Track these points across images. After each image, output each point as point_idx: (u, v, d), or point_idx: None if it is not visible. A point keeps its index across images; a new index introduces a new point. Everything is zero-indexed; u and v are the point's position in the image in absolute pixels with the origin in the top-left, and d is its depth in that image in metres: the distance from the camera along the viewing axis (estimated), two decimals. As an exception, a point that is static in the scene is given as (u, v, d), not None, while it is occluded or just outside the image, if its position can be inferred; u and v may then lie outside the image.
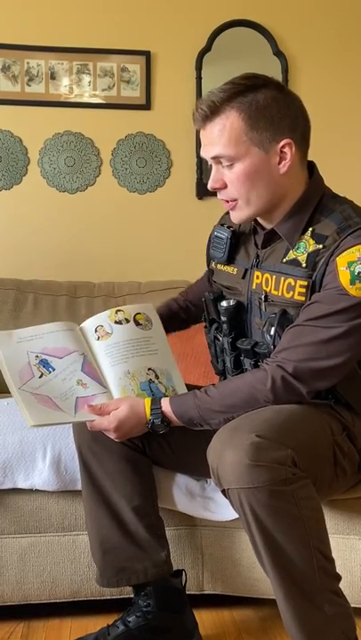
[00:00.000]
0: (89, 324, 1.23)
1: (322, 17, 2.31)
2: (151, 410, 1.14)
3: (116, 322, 1.22)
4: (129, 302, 2.01)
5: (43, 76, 2.18)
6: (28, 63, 2.17)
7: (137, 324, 1.24)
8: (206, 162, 1.15)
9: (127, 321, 1.23)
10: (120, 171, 2.23)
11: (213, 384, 1.17)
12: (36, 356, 1.16)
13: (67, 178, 2.20)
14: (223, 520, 1.32)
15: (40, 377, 1.14)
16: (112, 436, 1.15)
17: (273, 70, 2.24)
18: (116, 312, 1.23)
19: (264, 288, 1.16)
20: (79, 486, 1.31)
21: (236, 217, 1.15)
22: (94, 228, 2.23)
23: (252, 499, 0.98)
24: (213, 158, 1.12)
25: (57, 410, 1.11)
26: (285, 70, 2.26)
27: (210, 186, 1.14)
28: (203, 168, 2.21)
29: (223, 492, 1.03)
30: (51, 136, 2.20)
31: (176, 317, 1.41)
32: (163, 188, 2.25)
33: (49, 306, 1.95)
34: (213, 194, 1.18)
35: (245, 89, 1.08)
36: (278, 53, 2.25)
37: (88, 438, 1.23)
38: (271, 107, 1.08)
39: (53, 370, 1.16)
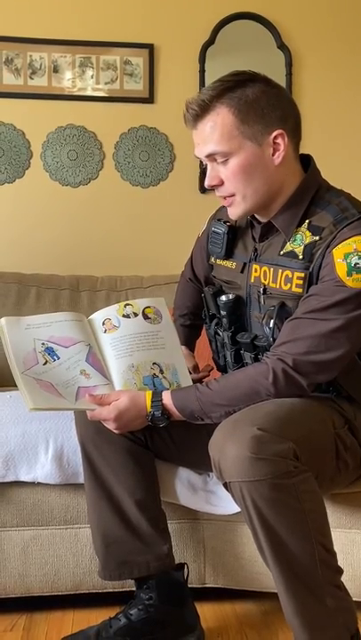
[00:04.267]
0: (97, 317, 1.24)
1: (326, 10, 2.30)
2: (152, 402, 1.14)
3: (124, 315, 1.23)
4: (131, 296, 2.01)
5: (45, 69, 2.18)
6: (30, 56, 2.17)
7: (146, 317, 1.24)
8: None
9: (135, 315, 1.23)
10: (123, 164, 2.23)
11: (215, 378, 1.17)
12: (43, 344, 1.17)
13: (69, 171, 2.20)
14: (225, 514, 1.32)
15: (44, 364, 1.15)
16: (111, 426, 1.16)
17: (277, 63, 2.23)
18: (125, 306, 1.24)
19: (262, 281, 1.16)
20: (81, 479, 1.32)
21: (234, 213, 1.16)
22: (97, 221, 2.23)
23: (254, 492, 0.98)
24: (208, 156, 1.12)
25: (58, 396, 1.12)
26: (289, 64, 2.24)
27: (207, 184, 1.14)
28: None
29: (225, 485, 1.03)
30: (53, 129, 2.20)
31: (194, 338, 1.43)
32: (166, 182, 2.24)
33: (51, 300, 1.95)
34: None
35: (234, 85, 1.09)
36: (282, 46, 2.24)
37: (91, 431, 1.24)
38: (260, 100, 1.09)
39: (58, 358, 1.17)
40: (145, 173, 2.24)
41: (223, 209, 1.26)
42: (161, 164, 2.24)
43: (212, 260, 1.30)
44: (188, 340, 1.41)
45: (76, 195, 2.22)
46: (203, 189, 2.23)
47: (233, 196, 1.13)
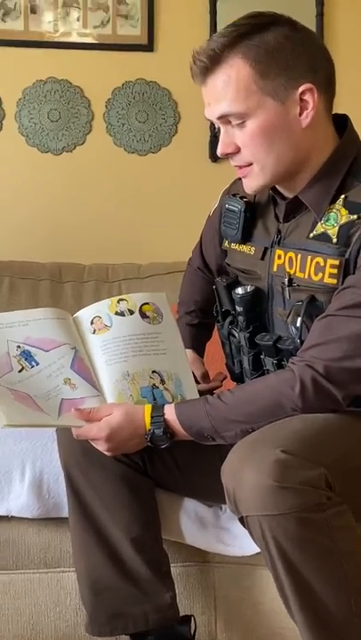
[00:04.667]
0: (84, 314, 1.24)
1: None
2: (152, 418, 1.15)
3: (117, 313, 1.23)
4: (125, 290, 2.02)
5: (21, 10, 2.18)
6: (2, -6, 2.18)
7: (143, 316, 1.24)
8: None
9: (131, 312, 1.24)
10: (116, 127, 2.23)
11: (229, 389, 1.17)
12: (18, 347, 1.18)
13: (50, 135, 2.20)
14: (241, 555, 1.33)
15: (20, 371, 1.16)
16: (102, 447, 1.16)
17: (305, 2, 2.22)
18: (119, 301, 1.25)
19: (288, 270, 1.16)
20: (65, 513, 1.33)
21: (251, 186, 1.16)
22: (84, 197, 2.23)
23: (277, 528, 0.98)
24: (220, 118, 1.12)
25: (37, 410, 1.13)
26: (320, 2, 2.23)
27: (220, 151, 1.14)
28: (218, 123, 2.22)
29: (241, 520, 1.03)
30: (31, 84, 2.20)
31: (204, 340, 1.44)
32: (168, 148, 2.24)
33: (28, 292, 1.96)
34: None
35: (251, 30, 1.08)
36: (312, -20, 2.24)
37: (77, 454, 1.25)
38: (284, 47, 1.07)
39: (37, 364, 1.17)
40: (143, 138, 2.23)
41: (239, 181, 1.26)
42: (163, 127, 2.24)
43: (226, 244, 1.30)
44: (196, 343, 1.42)
45: (58, 164, 2.22)
46: (214, 157, 2.23)
47: (250, 165, 1.13)
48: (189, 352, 1.36)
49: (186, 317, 1.44)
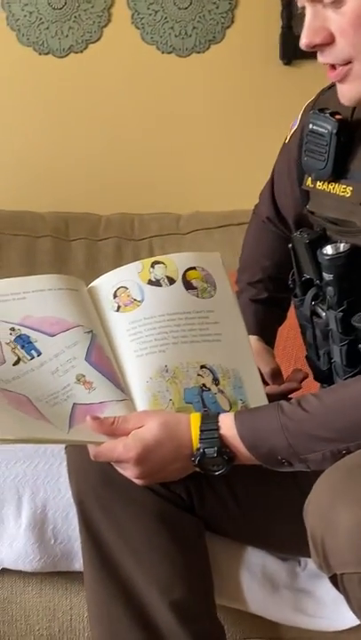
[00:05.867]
0: (104, 284, 1.26)
1: None
2: (201, 432, 1.15)
3: (150, 282, 1.24)
4: (159, 249, 2.03)
5: None
6: None
7: (188, 286, 1.25)
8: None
9: (171, 280, 1.25)
10: (145, 15, 2.23)
11: (313, 393, 1.18)
12: (12, 330, 1.19)
13: (51, 30, 2.21)
14: (331, 630, 1.33)
15: (15, 363, 1.17)
16: (131, 473, 1.16)
17: None
18: (153, 265, 1.26)
19: None
20: (78, 565, 1.35)
21: (348, 95, 1.17)
22: (99, 118, 2.24)
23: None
24: None
25: (40, 419, 1.13)
26: None
27: (305, 42, 1.14)
28: (292, 7, 2.18)
29: (333, 579, 1.04)
30: None
31: (274, 323, 1.44)
32: (220, 46, 2.24)
33: (21, 254, 1.99)
34: (310, 55, 1.18)
35: None
36: None
37: (95, 482, 1.26)
38: None
39: (39, 354, 1.18)
40: (184, 31, 2.23)
41: (329, 92, 1.24)
42: (213, 15, 2.23)
43: (309, 182, 1.29)
44: (264, 327, 1.42)
45: (63, 70, 2.22)
46: (287, 58, 2.21)
47: (349, 63, 1.13)
48: (254, 340, 1.36)
49: (249, 290, 1.45)
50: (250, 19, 2.24)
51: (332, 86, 1.22)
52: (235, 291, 1.36)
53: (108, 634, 1.26)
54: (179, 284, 1.24)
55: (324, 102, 1.29)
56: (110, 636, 1.26)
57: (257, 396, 1.23)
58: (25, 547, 1.36)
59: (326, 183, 1.25)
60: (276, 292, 1.44)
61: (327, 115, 1.24)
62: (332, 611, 1.31)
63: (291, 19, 2.21)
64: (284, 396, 1.30)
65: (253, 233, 1.49)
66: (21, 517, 1.37)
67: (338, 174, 1.23)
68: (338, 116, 1.23)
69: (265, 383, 1.34)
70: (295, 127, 1.35)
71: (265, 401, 1.23)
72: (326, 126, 1.23)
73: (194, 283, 1.25)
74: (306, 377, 1.35)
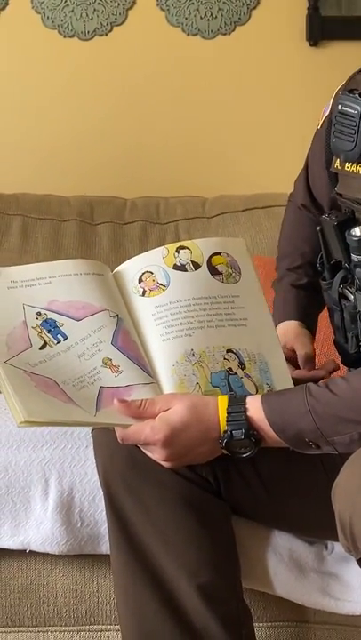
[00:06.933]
0: (130, 269, 1.26)
1: None
2: (229, 414, 1.16)
3: (175, 266, 1.25)
4: (184, 233, 2.02)
5: None
6: None
7: (214, 271, 1.25)
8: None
9: (196, 265, 1.25)
10: (170, -3, 2.23)
11: (342, 376, 1.18)
12: (38, 314, 1.20)
13: (76, 12, 2.21)
14: (357, 613, 1.32)
15: (42, 348, 1.18)
16: (159, 455, 1.17)
17: None
18: (178, 250, 1.26)
19: None
20: (105, 548, 1.35)
21: None
22: (124, 101, 2.24)
23: None
24: None
25: (67, 402, 1.14)
26: None
27: None
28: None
29: (361, 562, 1.04)
30: None
31: (315, 309, 1.44)
32: (246, 27, 2.23)
33: (47, 237, 1.98)
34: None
35: None
36: None
37: (122, 465, 1.25)
38: None
39: (65, 338, 1.19)
40: (209, 13, 2.22)
41: (360, 75, 1.24)
42: (238, -5, 2.23)
43: (337, 164, 1.28)
44: (306, 312, 1.42)
45: (87, 52, 2.23)
46: (314, 39, 2.19)
47: None
48: (295, 324, 1.37)
49: (290, 276, 1.45)
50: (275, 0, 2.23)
51: None
52: (275, 278, 1.38)
53: (135, 616, 1.27)
54: (204, 268, 1.25)
55: (354, 84, 1.27)
56: (138, 618, 1.26)
57: (283, 380, 1.24)
58: (52, 530, 1.37)
59: (355, 165, 1.24)
60: (315, 277, 1.43)
61: (357, 95, 1.22)
62: (360, 594, 1.31)
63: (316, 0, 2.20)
64: (310, 381, 1.28)
65: (290, 220, 1.49)
66: (48, 500, 1.37)
67: None
68: None
69: (296, 367, 1.34)
70: (327, 112, 1.34)
71: (291, 385, 1.23)
72: (356, 107, 1.21)
73: (219, 268, 1.26)
74: (337, 369, 1.35)
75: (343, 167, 1.26)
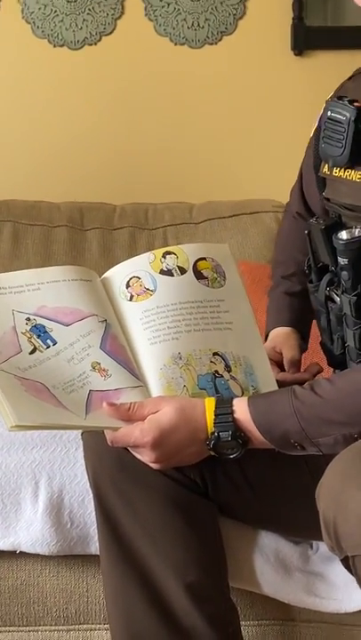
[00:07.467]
0: (117, 274, 1.27)
1: None
2: (216, 416, 1.16)
3: (162, 271, 1.25)
4: (172, 238, 2.03)
5: None
6: None
7: (199, 276, 1.26)
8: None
9: (182, 270, 1.26)
10: (158, 7, 2.23)
11: (326, 378, 1.19)
12: (28, 319, 1.20)
13: (65, 22, 2.21)
14: (341, 612, 1.33)
15: (32, 352, 1.18)
16: (147, 457, 1.17)
17: None
18: (165, 255, 1.26)
19: None
20: (94, 548, 1.35)
21: None
22: (113, 108, 2.24)
23: None
24: None
25: (57, 406, 1.14)
26: None
27: None
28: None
29: (345, 562, 1.04)
30: None
31: (308, 315, 1.43)
32: (232, 37, 2.24)
33: (37, 243, 1.99)
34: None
35: None
36: None
37: (111, 467, 1.26)
38: None
39: (54, 343, 1.19)
40: (196, 23, 2.23)
41: (349, 83, 1.24)
42: (225, 6, 2.23)
43: (326, 169, 1.29)
44: (300, 319, 1.43)
45: (77, 61, 2.23)
46: (299, 48, 2.19)
47: None
48: (286, 329, 1.37)
49: (285, 283, 1.46)
50: (261, 9, 2.23)
51: (352, 77, 1.22)
52: (271, 286, 1.38)
53: (124, 616, 1.27)
54: (190, 273, 1.26)
55: (344, 91, 1.29)
56: (126, 617, 1.27)
57: (268, 382, 1.25)
58: (42, 531, 1.37)
59: (343, 170, 1.25)
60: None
61: (345, 102, 1.23)
62: (344, 593, 1.31)
63: (302, 9, 2.20)
64: (295, 384, 1.29)
65: (286, 229, 1.50)
66: (38, 502, 1.38)
67: (354, 160, 1.23)
68: (356, 104, 1.22)
69: (282, 369, 1.35)
70: (318, 122, 1.34)
71: (275, 387, 1.24)
72: (345, 113, 1.22)
73: (204, 273, 1.27)
74: (321, 372, 1.35)
75: (331, 172, 1.28)
